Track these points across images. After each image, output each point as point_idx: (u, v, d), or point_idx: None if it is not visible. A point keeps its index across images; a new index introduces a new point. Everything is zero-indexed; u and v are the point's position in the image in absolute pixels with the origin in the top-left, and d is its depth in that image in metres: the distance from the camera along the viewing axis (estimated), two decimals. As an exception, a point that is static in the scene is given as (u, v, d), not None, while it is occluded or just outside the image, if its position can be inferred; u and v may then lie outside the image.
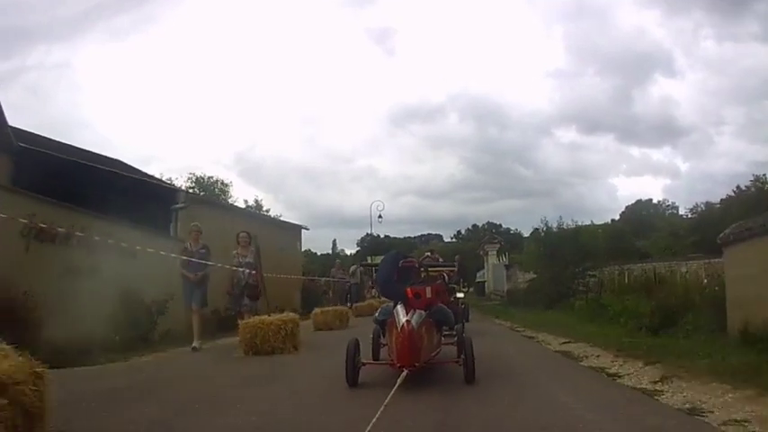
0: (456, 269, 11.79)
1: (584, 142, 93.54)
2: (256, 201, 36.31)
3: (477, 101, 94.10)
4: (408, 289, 4.71)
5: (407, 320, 4.39)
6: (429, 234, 76.73)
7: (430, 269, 8.65)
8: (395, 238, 72.93)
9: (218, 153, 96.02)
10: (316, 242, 77.04)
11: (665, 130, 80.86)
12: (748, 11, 73.65)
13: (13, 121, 9.86)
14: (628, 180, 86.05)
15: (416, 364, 4.27)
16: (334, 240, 74.33)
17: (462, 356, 4.65)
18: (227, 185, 33.82)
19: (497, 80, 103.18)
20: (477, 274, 45.17)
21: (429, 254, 12.77)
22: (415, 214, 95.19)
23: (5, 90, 55.51)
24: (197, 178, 32.05)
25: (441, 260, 13.11)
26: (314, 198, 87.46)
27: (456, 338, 5.26)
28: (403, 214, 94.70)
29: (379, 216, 28.37)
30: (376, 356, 5.26)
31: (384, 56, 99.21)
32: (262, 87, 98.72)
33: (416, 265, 5.59)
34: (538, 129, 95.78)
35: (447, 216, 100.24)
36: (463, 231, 78.64)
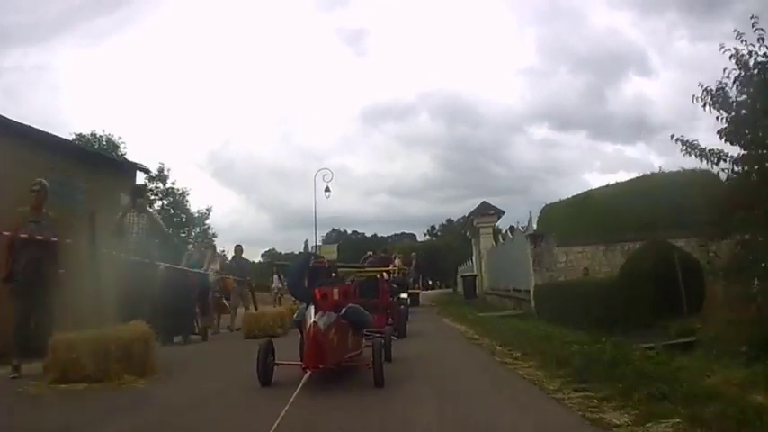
0: (408, 268, 15.58)
1: (556, 139, 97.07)
2: (161, 169, 27.45)
3: (449, 99, 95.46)
4: (316, 290, 4.51)
5: (314, 322, 4.23)
6: (402, 233, 75.19)
7: (368, 269, 9.13)
8: (362, 234, 71.88)
9: (190, 152, 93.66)
10: (290, 243, 79.17)
11: (639, 127, 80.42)
12: (725, 10, 72.62)
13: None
14: (602, 177, 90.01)
15: (321, 366, 4.16)
16: (306, 241, 74.57)
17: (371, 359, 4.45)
18: (117, 144, 25.39)
19: (468, 78, 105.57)
20: (460, 269, 33.71)
21: (371, 253, 12.26)
22: (388, 213, 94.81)
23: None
24: (78, 135, 24.22)
25: (397, 260, 14.00)
26: (286, 198, 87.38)
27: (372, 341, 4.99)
28: (375, 214, 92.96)
29: (327, 189, 22.20)
30: None
31: (356, 55, 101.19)
32: (234, 87, 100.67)
33: (326, 266, 5.35)
34: (510, 126, 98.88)
35: (420, 215, 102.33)
36: (437, 227, 78.11)
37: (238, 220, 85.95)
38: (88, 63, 72.57)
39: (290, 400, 3.14)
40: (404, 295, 10.34)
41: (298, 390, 3.37)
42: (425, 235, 76.51)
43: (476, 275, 22.24)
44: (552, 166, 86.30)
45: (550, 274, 11.37)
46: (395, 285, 10.17)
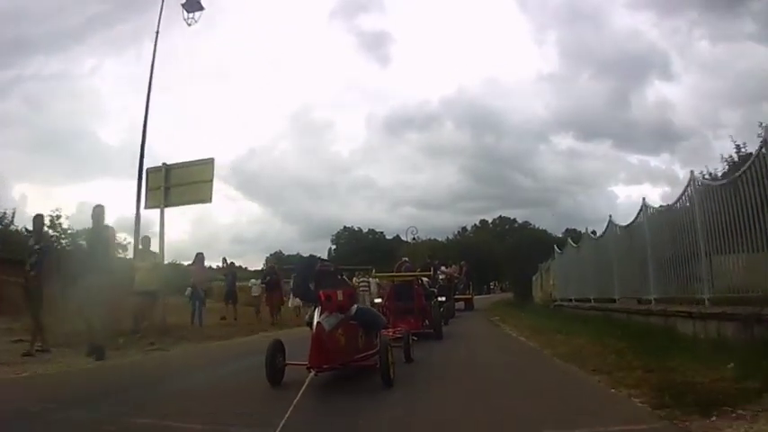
0: (458, 274, 19.10)
1: (581, 149, 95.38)
2: None
3: (473, 108, 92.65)
4: (321, 292, 4.69)
5: (318, 322, 4.45)
6: (431, 239, 75.40)
7: (404, 274, 10.42)
8: (381, 234, 70.64)
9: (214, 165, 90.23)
10: (315, 252, 73.35)
11: (663, 136, 79.42)
12: (744, 9, 71.32)
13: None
14: (627, 188, 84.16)
15: (325, 366, 4.38)
16: (330, 249, 72.08)
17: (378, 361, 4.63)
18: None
19: (492, 87, 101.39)
20: (550, 262, 18.40)
21: (406, 259, 12.15)
22: (416, 225, 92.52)
23: (2, 100, 54.00)
24: None
25: (449, 268, 17.52)
26: (313, 210, 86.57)
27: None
28: (403, 225, 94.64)
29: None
30: None
31: (378, 64, 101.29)
32: (257, 98, 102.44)
33: (332, 270, 5.39)
34: (535, 135, 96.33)
35: (448, 226, 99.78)
36: (469, 228, 77.06)
37: (264, 231, 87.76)
38: (106, 73, 73.75)
39: (294, 402, 3.34)
40: (441, 298, 11.37)
41: (302, 391, 3.57)
42: (456, 235, 73.18)
43: None
44: (578, 177, 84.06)
45: None
46: (433, 289, 10.78)
